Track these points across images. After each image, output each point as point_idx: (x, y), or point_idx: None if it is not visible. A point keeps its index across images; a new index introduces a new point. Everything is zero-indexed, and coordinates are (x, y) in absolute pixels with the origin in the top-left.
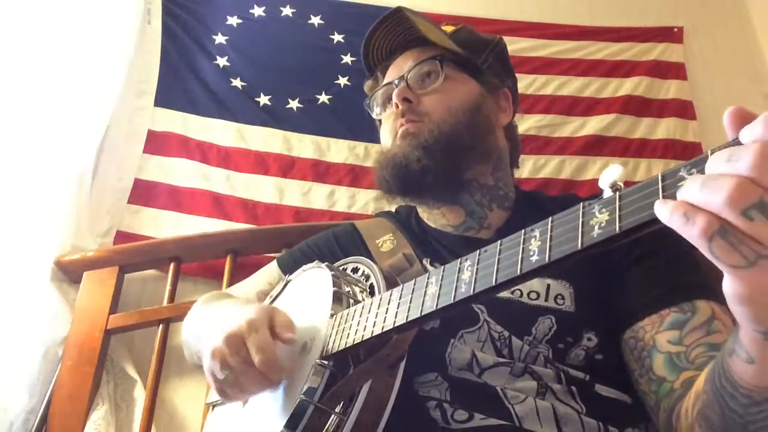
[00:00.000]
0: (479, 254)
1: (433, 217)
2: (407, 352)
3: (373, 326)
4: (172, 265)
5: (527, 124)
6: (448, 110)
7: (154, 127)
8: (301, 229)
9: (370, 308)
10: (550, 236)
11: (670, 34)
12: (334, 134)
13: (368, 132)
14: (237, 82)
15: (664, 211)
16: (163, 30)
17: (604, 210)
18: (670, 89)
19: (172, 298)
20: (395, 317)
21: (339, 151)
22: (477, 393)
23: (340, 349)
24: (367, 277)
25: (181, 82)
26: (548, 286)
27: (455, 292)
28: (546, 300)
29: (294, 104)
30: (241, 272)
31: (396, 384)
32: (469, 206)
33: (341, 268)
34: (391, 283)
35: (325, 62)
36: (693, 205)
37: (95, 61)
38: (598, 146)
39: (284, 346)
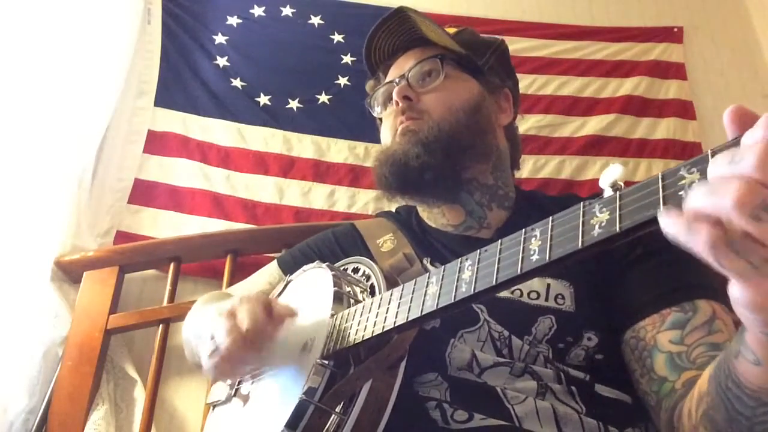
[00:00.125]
0: (479, 254)
1: (433, 216)
2: (407, 352)
3: (374, 326)
4: (172, 265)
5: (527, 124)
6: (448, 108)
7: (154, 127)
8: (301, 229)
9: (370, 308)
10: (551, 235)
11: (670, 34)
12: (334, 134)
13: (368, 132)
14: (237, 82)
15: (668, 223)
16: (163, 30)
17: (604, 209)
18: (670, 89)
19: (172, 298)
20: (396, 317)
21: (339, 151)
22: (477, 393)
23: (340, 348)
24: (368, 277)
25: (181, 82)
26: (548, 285)
27: (456, 291)
28: (546, 300)
29: (294, 104)
30: (241, 272)
31: (396, 384)
32: (469, 205)
33: (342, 268)
34: (391, 282)
35: (325, 62)
36: (696, 215)
37: (95, 61)
38: (598, 146)
39: (285, 343)
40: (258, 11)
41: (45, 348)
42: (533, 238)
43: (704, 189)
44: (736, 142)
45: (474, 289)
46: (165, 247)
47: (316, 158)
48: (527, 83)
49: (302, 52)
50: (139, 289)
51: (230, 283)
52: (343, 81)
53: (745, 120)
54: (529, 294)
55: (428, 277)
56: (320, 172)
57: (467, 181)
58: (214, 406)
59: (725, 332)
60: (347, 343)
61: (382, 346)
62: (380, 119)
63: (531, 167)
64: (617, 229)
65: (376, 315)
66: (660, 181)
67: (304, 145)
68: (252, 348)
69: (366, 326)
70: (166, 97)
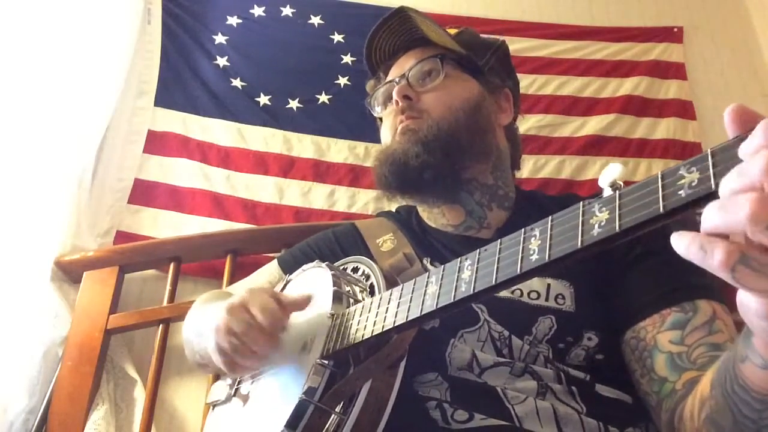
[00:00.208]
0: (479, 253)
1: (433, 216)
2: (407, 351)
3: (374, 326)
4: (172, 265)
5: (527, 124)
6: (448, 108)
7: (154, 127)
8: (301, 229)
9: (370, 308)
10: (550, 235)
11: (670, 34)
12: (334, 134)
13: (368, 132)
14: (237, 82)
15: (681, 245)
16: (163, 30)
17: (604, 209)
18: (670, 89)
19: (172, 298)
20: (395, 317)
21: (339, 151)
22: (477, 393)
23: (340, 348)
24: (368, 277)
25: (181, 82)
26: (548, 285)
27: (455, 291)
28: (546, 300)
29: (294, 104)
30: (241, 272)
31: (396, 384)
32: (469, 205)
33: (341, 267)
34: (391, 282)
35: (325, 62)
36: (710, 235)
37: (95, 61)
38: (598, 146)
39: (284, 342)
40: (258, 11)
41: (45, 348)
42: (533, 238)
43: (715, 207)
44: (736, 142)
45: (473, 289)
46: (165, 247)
47: (316, 158)
48: (527, 83)
49: (302, 52)
50: (139, 289)
51: (230, 283)
52: (343, 81)
53: (746, 119)
54: (529, 294)
55: (428, 277)
56: (320, 172)
57: (467, 180)
58: (214, 406)
59: (725, 332)
60: (347, 343)
61: (381, 345)
62: (380, 119)
63: (531, 167)
64: (617, 228)
65: (376, 315)
66: (659, 180)
67: (304, 145)
68: (270, 341)
69: (366, 326)
70: (166, 97)
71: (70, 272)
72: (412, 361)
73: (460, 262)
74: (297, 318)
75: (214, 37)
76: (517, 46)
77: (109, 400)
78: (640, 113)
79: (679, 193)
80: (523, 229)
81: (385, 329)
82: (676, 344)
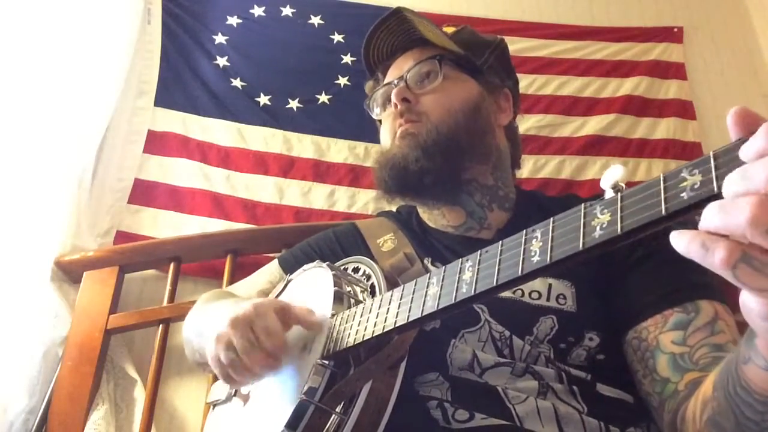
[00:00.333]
0: (480, 254)
1: (434, 217)
2: (408, 352)
3: (374, 326)
4: (172, 265)
5: (527, 124)
6: (447, 110)
7: (154, 127)
8: (301, 229)
9: (371, 308)
10: (552, 237)
11: (670, 34)
12: (334, 134)
13: (368, 132)
14: (237, 82)
15: (681, 243)
16: (163, 30)
17: (605, 211)
18: (670, 89)
19: (172, 298)
20: (396, 317)
21: (339, 151)
22: (478, 393)
23: (340, 349)
24: (368, 277)
25: (181, 82)
26: (550, 285)
27: (456, 292)
28: (548, 300)
29: (294, 104)
30: (241, 272)
31: (397, 384)
32: (469, 207)
33: (342, 267)
34: (392, 282)
35: (325, 62)
36: (711, 233)
37: (95, 61)
38: (598, 146)
39: (287, 340)
40: (258, 11)
41: (45, 348)
42: (534, 239)
43: (716, 208)
44: (738, 144)
45: (475, 290)
46: (165, 247)
47: (316, 158)
48: (527, 83)
49: (302, 52)
50: (139, 289)
51: (230, 283)
52: (343, 81)
53: (749, 121)
54: (530, 294)
55: (429, 278)
56: (320, 172)
57: (467, 182)
58: (214, 406)
59: (728, 333)
60: (347, 344)
61: (382, 346)
62: (380, 120)
63: (531, 167)
64: (618, 230)
65: (377, 315)
66: (661, 182)
67: (304, 145)
68: (272, 364)
69: (366, 326)
70: (166, 97)
71: (70, 272)
72: (413, 361)
73: (461, 263)
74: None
75: (214, 37)
76: (517, 46)
77: (109, 400)
78: (640, 113)
79: (681, 195)
80: (524, 231)
81: (385, 330)
82: (679, 345)
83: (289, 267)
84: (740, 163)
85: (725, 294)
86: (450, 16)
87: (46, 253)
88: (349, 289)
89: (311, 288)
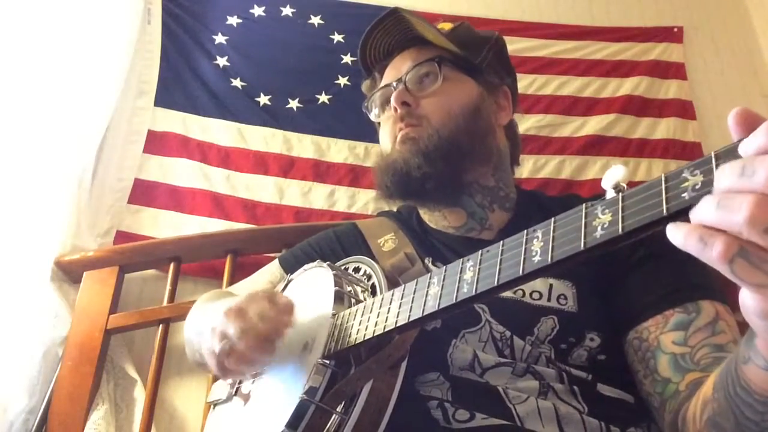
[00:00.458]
0: (481, 254)
1: (435, 218)
2: (409, 351)
3: (375, 326)
4: (172, 265)
5: (527, 124)
6: (447, 114)
7: (154, 127)
8: (301, 229)
9: (371, 308)
10: (553, 237)
11: (670, 34)
12: (334, 134)
13: (368, 132)
14: (237, 82)
15: (678, 235)
16: (163, 30)
17: (607, 211)
18: (670, 89)
19: (172, 298)
20: (397, 317)
21: (339, 151)
22: (478, 393)
23: (341, 348)
24: (369, 277)
25: (181, 82)
26: (551, 286)
27: (457, 292)
28: (549, 300)
29: (294, 104)
30: (241, 272)
31: (397, 384)
32: (471, 208)
33: (343, 267)
34: (392, 282)
35: (325, 62)
36: (708, 227)
37: (95, 61)
38: (598, 146)
39: (285, 342)
40: (258, 11)
41: (45, 348)
42: (535, 239)
43: (714, 203)
44: (739, 145)
45: (476, 290)
46: (165, 247)
47: (316, 158)
48: (527, 83)
49: (302, 52)
50: (139, 289)
51: (230, 283)
52: (343, 81)
53: (751, 122)
54: (531, 294)
55: (430, 278)
56: (320, 172)
57: (468, 184)
58: (215, 405)
59: (729, 333)
60: (348, 343)
61: (383, 346)
62: (379, 122)
63: (531, 167)
64: (620, 230)
65: (377, 315)
66: (663, 182)
67: (304, 145)
68: (266, 349)
69: (367, 326)
70: (166, 97)
71: (70, 272)
72: (414, 361)
73: (462, 263)
74: (298, 318)
75: (214, 37)
76: (517, 46)
77: (109, 400)
78: (640, 113)
79: (683, 195)
80: (525, 231)
81: (386, 329)
82: (680, 345)
83: (290, 267)
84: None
85: (726, 294)
86: (450, 16)
87: (46, 253)
88: (349, 288)
89: (312, 288)
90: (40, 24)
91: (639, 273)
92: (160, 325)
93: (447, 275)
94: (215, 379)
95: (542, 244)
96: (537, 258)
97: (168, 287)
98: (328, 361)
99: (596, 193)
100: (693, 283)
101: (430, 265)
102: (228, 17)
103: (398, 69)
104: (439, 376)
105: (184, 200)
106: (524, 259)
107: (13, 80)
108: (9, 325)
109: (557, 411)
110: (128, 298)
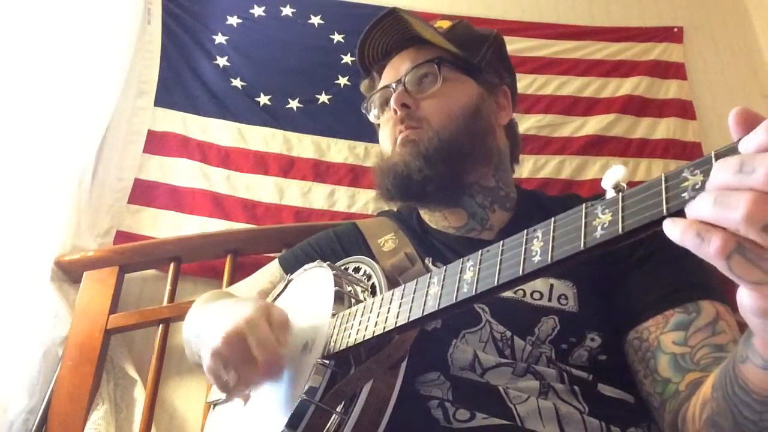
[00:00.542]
0: (481, 254)
1: (435, 218)
2: (408, 352)
3: (375, 326)
4: (172, 265)
5: (527, 124)
6: (447, 115)
7: (154, 127)
8: (301, 229)
9: (371, 308)
10: (553, 236)
11: (670, 34)
12: (334, 134)
13: (368, 132)
14: (237, 82)
15: (675, 231)
16: (163, 30)
17: (607, 211)
18: (670, 89)
19: (172, 298)
20: (397, 317)
21: (339, 151)
22: (479, 392)
23: (341, 348)
24: (369, 277)
25: (181, 82)
26: (551, 286)
27: (457, 292)
28: (549, 300)
29: (294, 104)
30: (241, 272)
31: (397, 384)
32: (471, 208)
33: (343, 267)
34: (392, 282)
35: (325, 62)
36: (705, 223)
37: (95, 61)
38: (598, 146)
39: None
40: (258, 11)
41: (45, 348)
42: (535, 239)
43: (711, 199)
44: (739, 143)
45: (476, 290)
46: (165, 247)
47: (316, 158)
48: (527, 83)
49: (302, 52)
50: (139, 289)
51: (230, 283)
52: (343, 81)
53: (751, 122)
54: (532, 294)
55: (430, 277)
56: (320, 172)
57: (469, 185)
58: (215, 405)
59: (729, 333)
60: (348, 343)
61: (383, 346)
62: (378, 123)
63: (531, 167)
64: (620, 230)
65: (377, 315)
66: (663, 182)
67: (304, 145)
68: (267, 374)
69: (367, 326)
70: (166, 97)
71: (70, 272)
72: (414, 361)
73: (463, 262)
74: (298, 318)
75: (214, 37)
76: (517, 46)
77: (109, 400)
78: (640, 113)
79: (683, 195)
80: (525, 231)
81: (386, 330)
82: (680, 345)
83: (290, 267)
84: None
85: (726, 294)
86: (450, 16)
87: (46, 253)
88: (349, 288)
89: (312, 288)
90: (40, 24)
91: (639, 273)
92: (160, 325)
93: (447, 275)
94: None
95: (542, 244)
96: (537, 258)
97: (168, 287)
98: (327, 361)
99: (596, 193)
100: (693, 282)
101: (430, 265)
102: (228, 17)
103: (397, 69)
104: (439, 376)
105: (184, 200)
106: (524, 259)
107: (13, 80)
108: (9, 325)
109: (558, 411)
110: (128, 298)
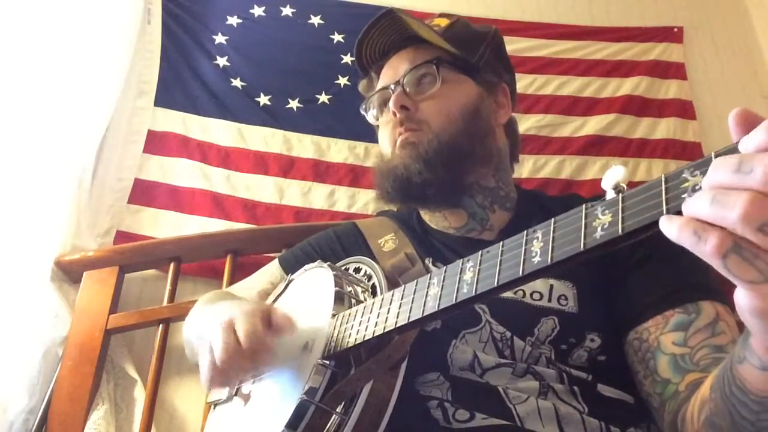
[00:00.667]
0: (481, 255)
1: (435, 219)
2: (408, 352)
3: (375, 326)
4: (172, 265)
5: (527, 124)
6: (446, 117)
7: (154, 127)
8: (301, 229)
9: (371, 308)
10: (553, 237)
11: (670, 34)
12: (334, 134)
13: (368, 132)
14: (237, 82)
15: (672, 229)
16: (163, 30)
17: (606, 211)
18: (670, 89)
19: (172, 298)
20: (397, 317)
21: (339, 151)
22: (478, 393)
23: (341, 349)
24: (369, 277)
25: (181, 82)
26: (551, 286)
27: (457, 292)
28: (549, 301)
29: (294, 104)
30: (241, 272)
31: (397, 384)
32: (471, 209)
33: (343, 267)
34: (393, 283)
35: (325, 62)
36: (702, 221)
37: (95, 61)
38: (598, 146)
39: (285, 344)
40: (258, 11)
41: (45, 348)
42: (535, 240)
43: (708, 198)
44: (739, 143)
45: (475, 291)
46: (165, 247)
47: (316, 158)
48: (527, 83)
49: (302, 52)
50: (139, 289)
51: (230, 283)
52: (343, 81)
53: (751, 122)
54: (531, 295)
55: (430, 278)
56: (320, 172)
57: (469, 185)
58: (215, 405)
59: (729, 334)
60: (348, 344)
61: (383, 346)
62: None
63: (531, 167)
64: (620, 231)
65: (377, 315)
66: (663, 183)
67: (304, 145)
68: (249, 362)
69: (367, 327)
70: (166, 97)
71: (70, 272)
72: (414, 361)
73: (462, 263)
74: (298, 318)
75: (214, 37)
76: (517, 46)
77: (109, 400)
78: (640, 113)
79: (683, 196)
80: (525, 231)
81: (386, 330)
82: (679, 346)
83: (290, 267)
84: None
85: (726, 294)
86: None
87: (46, 253)
88: (350, 289)
89: (312, 288)
90: (41, 24)
91: (639, 273)
92: (160, 325)
93: (447, 276)
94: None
95: (542, 244)
96: (537, 259)
97: (168, 287)
98: (327, 362)
99: (596, 194)
100: (693, 283)
101: (430, 265)
102: (228, 17)
103: (395, 70)
104: (439, 377)
105: (184, 200)
106: (524, 259)
107: (14, 80)
108: (9, 325)
109: (557, 411)
110: (128, 298)
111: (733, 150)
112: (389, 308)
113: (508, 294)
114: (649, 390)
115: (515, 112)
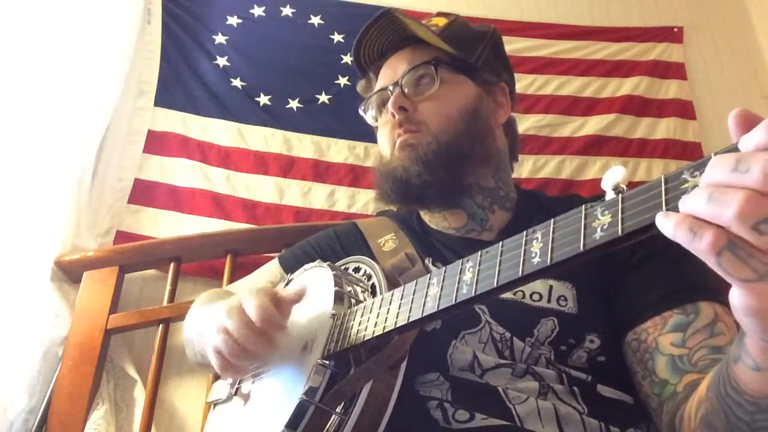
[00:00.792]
0: (481, 255)
1: (435, 219)
2: (408, 352)
3: (375, 326)
4: (172, 265)
5: (527, 124)
6: (445, 118)
7: (154, 127)
8: (301, 229)
9: (371, 308)
10: (552, 238)
11: (670, 34)
12: (334, 134)
13: (368, 132)
14: (237, 82)
15: (668, 225)
16: (163, 30)
17: (606, 212)
18: (669, 89)
19: (172, 298)
20: (396, 318)
21: (339, 151)
22: (478, 393)
23: (341, 349)
24: (369, 277)
25: (181, 82)
26: (551, 287)
27: (456, 293)
28: (548, 301)
29: (294, 104)
30: (241, 272)
31: (397, 384)
32: (471, 209)
33: (343, 267)
34: (392, 282)
35: (325, 62)
36: (698, 218)
37: (95, 61)
38: (598, 146)
39: (285, 342)
40: (258, 11)
41: (45, 348)
42: (534, 241)
43: (704, 195)
44: (738, 143)
45: (475, 291)
46: (165, 247)
47: (316, 158)
48: (527, 83)
49: (302, 52)
50: (139, 289)
51: (230, 283)
52: (343, 81)
53: (751, 122)
54: (531, 295)
55: (429, 278)
56: (320, 172)
57: (468, 186)
58: (215, 405)
59: (727, 335)
60: (348, 344)
61: (383, 346)
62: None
63: (531, 167)
64: (619, 232)
65: (377, 315)
66: (662, 184)
67: (304, 145)
68: (265, 341)
69: (367, 326)
70: (166, 97)
71: (70, 272)
72: (414, 361)
73: (462, 263)
74: (298, 318)
75: (214, 37)
76: (516, 46)
77: (109, 400)
78: (640, 113)
79: (683, 197)
80: (524, 232)
81: (386, 330)
82: (678, 347)
83: (290, 266)
84: None
85: (725, 295)
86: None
87: (46, 253)
88: (349, 289)
89: (312, 288)
90: (41, 24)
91: (638, 274)
92: (160, 325)
93: (446, 276)
94: (215, 378)
95: (542, 245)
96: (536, 259)
97: (168, 287)
98: (327, 362)
99: (596, 194)
100: (692, 284)
101: (430, 265)
102: (228, 17)
103: (394, 70)
104: (438, 377)
105: (184, 200)
106: (523, 260)
107: (14, 80)
108: (9, 325)
109: (557, 411)
110: (128, 298)
111: (733, 151)
112: (389, 308)
113: (508, 295)
114: (648, 390)
115: (515, 112)
